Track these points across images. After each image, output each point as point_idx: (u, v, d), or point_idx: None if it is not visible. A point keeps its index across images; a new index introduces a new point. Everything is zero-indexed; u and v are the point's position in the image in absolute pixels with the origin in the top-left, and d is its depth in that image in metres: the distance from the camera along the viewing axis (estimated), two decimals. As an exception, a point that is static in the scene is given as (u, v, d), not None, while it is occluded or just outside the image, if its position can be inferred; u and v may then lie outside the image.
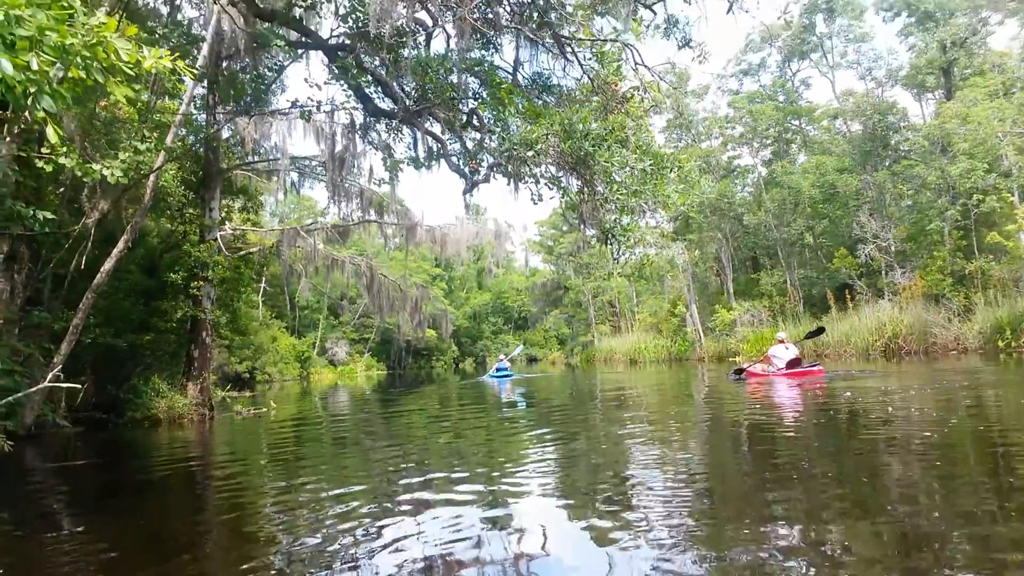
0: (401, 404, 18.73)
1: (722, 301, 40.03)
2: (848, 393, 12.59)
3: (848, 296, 31.93)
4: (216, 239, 14.34)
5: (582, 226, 8.58)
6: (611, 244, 8.06)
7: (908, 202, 32.65)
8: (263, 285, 45.40)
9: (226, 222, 14.96)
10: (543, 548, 4.40)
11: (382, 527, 5.03)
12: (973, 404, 10.12)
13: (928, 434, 7.65)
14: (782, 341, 17.81)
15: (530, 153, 6.89)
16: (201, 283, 14.14)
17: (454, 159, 8.41)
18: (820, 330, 22.23)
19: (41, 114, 3.99)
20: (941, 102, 32.75)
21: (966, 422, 8.43)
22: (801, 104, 42.89)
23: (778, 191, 37.28)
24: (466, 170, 8.23)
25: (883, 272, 31.55)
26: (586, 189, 7.77)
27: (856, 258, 32.40)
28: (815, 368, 16.97)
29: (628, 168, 7.34)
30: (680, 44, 8.17)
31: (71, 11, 4.00)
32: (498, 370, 30.13)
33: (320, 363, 55.29)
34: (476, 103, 8.46)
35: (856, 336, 29.57)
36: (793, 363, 16.82)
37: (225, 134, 15.29)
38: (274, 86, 15.67)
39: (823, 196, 35.81)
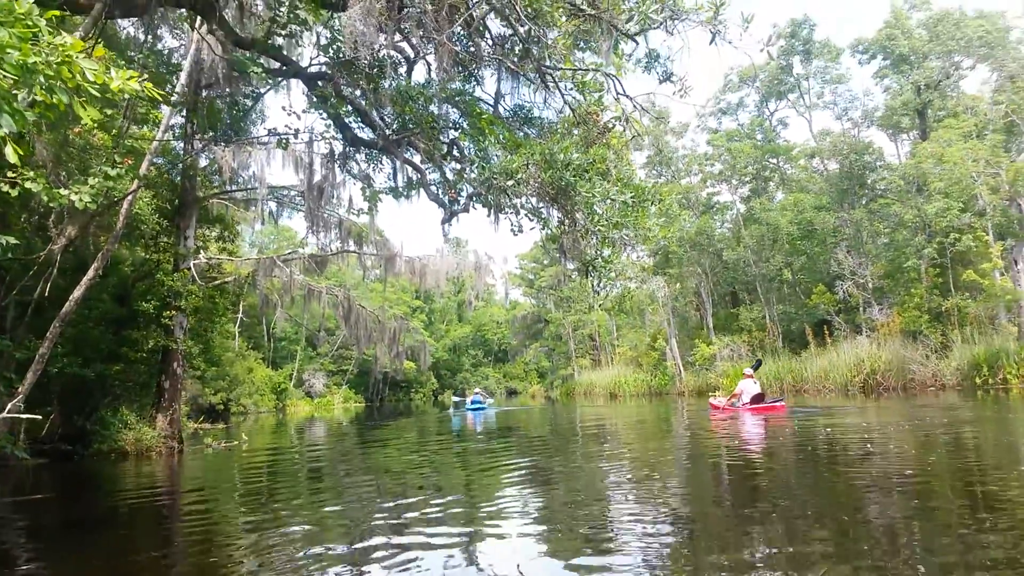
0: (377, 437, 18.41)
1: (702, 336, 40.12)
2: (828, 430, 12.56)
3: (827, 332, 32.12)
4: (190, 268, 14.08)
5: (562, 259, 8.45)
6: (592, 276, 7.96)
7: (885, 240, 33.06)
8: (240, 316, 44.87)
9: (200, 251, 14.69)
10: None
11: (356, 568, 4.84)
12: (951, 442, 10.06)
13: (909, 472, 7.61)
14: (749, 376, 18.25)
15: (510, 182, 6.77)
16: (174, 312, 13.85)
17: (433, 188, 8.28)
18: (759, 363, 22.72)
19: (2, 132, 3.85)
20: (916, 142, 33.34)
21: (944, 460, 8.39)
22: (779, 143, 43.52)
23: (757, 227, 37.65)
24: (445, 199, 8.10)
25: (861, 308, 31.81)
26: (566, 220, 7.67)
27: (834, 294, 32.68)
28: (778, 404, 17.49)
29: (609, 200, 7.26)
30: (661, 78, 8.18)
31: (36, 30, 3.88)
32: (472, 403, 30.56)
33: (297, 395, 54.47)
34: (456, 133, 8.40)
35: (835, 372, 29.72)
36: (757, 398, 17.31)
37: (203, 163, 15.13)
38: (254, 115, 15.58)
39: (801, 233, 36.17)
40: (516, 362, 74.97)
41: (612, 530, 5.56)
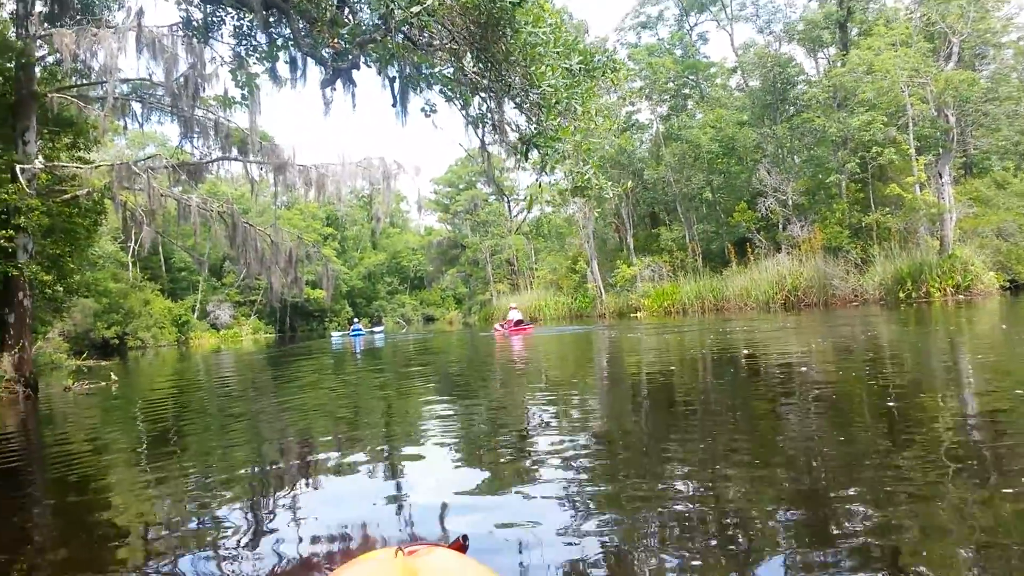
0: (286, 368, 16.79)
1: (622, 257, 39.33)
2: (745, 349, 12.09)
3: (748, 250, 31.69)
4: (30, 178, 11.48)
5: (484, 146, 6.61)
6: (532, 157, 6.15)
7: (804, 156, 32.58)
8: (134, 245, 40.99)
9: (36, 158, 11.86)
10: (441, 517, 3.87)
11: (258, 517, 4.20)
12: (869, 357, 9.73)
13: (820, 380, 7.71)
14: (514, 308, 27.89)
15: (415, 9, 4.84)
16: (12, 233, 11.35)
17: (308, 40, 6.17)
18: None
19: None
20: (839, 54, 32.60)
21: (862, 371, 8.20)
22: (699, 59, 42.23)
23: (677, 145, 36.57)
24: (326, 54, 6.06)
25: (781, 226, 31.42)
26: (495, 83, 5.79)
27: (755, 212, 32.16)
28: (528, 327, 25.43)
29: (549, 66, 5.49)
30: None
31: None
32: (353, 330, 40.34)
33: (201, 327, 51.56)
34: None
35: (756, 290, 29.41)
36: (518, 323, 25.37)
37: (43, 52, 12.41)
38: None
39: (722, 150, 35.35)
40: (433, 289, 73.48)
41: (536, 454, 5.14)
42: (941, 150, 25.34)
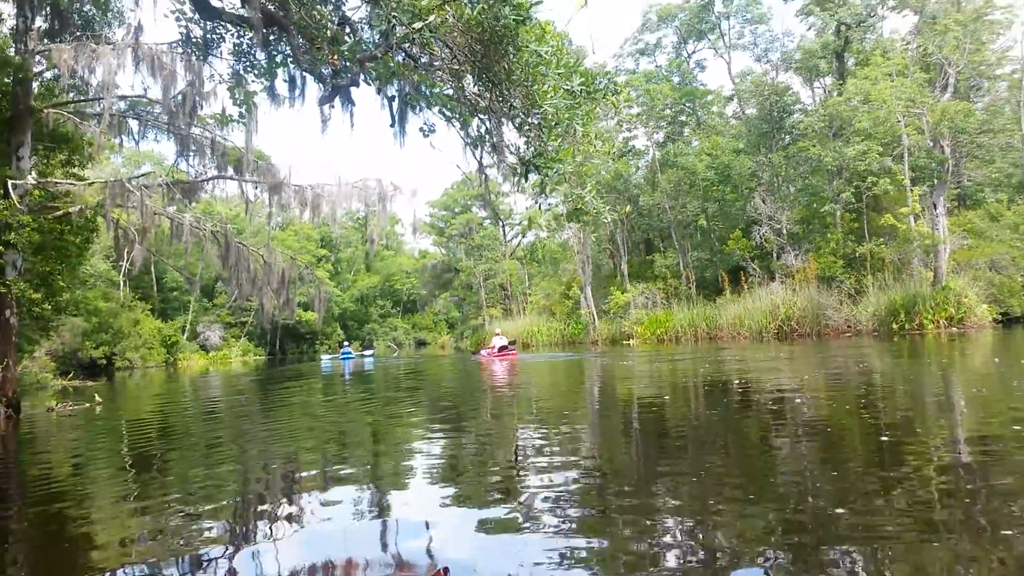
0: (274, 391, 16.55)
1: (616, 283, 39.26)
2: (738, 379, 12.01)
3: (742, 278, 31.66)
4: (23, 194, 11.29)
5: (482, 168, 6.52)
6: (531, 179, 6.05)
7: (799, 185, 32.72)
8: (125, 264, 40.77)
9: (29, 174, 11.65)
10: (427, 543, 3.91)
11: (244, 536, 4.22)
12: (862, 390, 9.45)
13: (809, 409, 7.79)
14: (498, 334, 28.09)
15: (418, 25, 4.74)
16: (2, 249, 11.15)
17: (307, 57, 6.06)
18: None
19: None
20: (836, 83, 32.83)
21: (855, 404, 8.13)
22: (696, 86, 42.59)
23: (673, 172, 36.73)
24: (325, 71, 5.95)
25: (775, 254, 31.45)
26: (496, 101, 5.71)
27: (750, 240, 32.19)
28: (512, 352, 26.00)
29: (551, 86, 5.42)
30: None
31: None
32: (343, 354, 40.91)
33: (190, 348, 51.12)
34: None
35: (749, 318, 29.25)
36: (503, 348, 25.86)
37: (41, 68, 12.33)
38: (108, 15, 12.91)
39: (718, 177, 35.50)
40: (426, 313, 73.33)
41: (522, 481, 5.20)
42: (936, 181, 25.44)
